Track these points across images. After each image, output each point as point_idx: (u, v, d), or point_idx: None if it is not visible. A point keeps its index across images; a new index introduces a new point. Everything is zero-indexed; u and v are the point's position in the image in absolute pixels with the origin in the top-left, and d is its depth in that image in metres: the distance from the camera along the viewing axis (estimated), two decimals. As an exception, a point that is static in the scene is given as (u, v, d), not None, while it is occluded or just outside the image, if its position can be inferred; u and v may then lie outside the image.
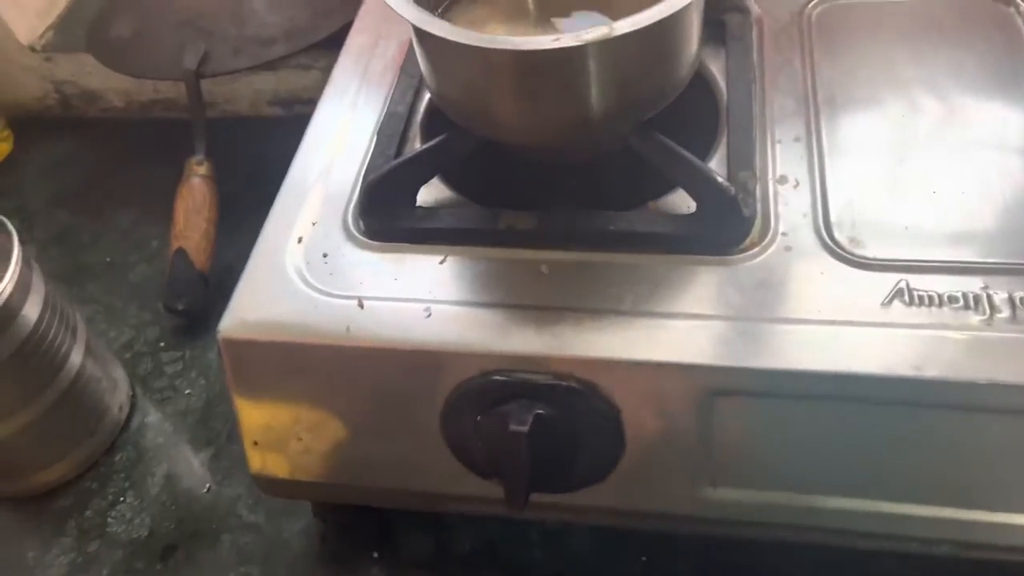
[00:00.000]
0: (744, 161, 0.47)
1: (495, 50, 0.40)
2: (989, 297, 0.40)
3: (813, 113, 0.50)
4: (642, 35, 0.38)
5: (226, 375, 0.46)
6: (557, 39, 0.38)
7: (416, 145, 0.52)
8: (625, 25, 0.38)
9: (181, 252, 0.66)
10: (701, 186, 0.44)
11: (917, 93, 0.50)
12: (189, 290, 0.65)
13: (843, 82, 0.52)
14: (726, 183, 0.43)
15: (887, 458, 0.40)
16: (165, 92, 0.83)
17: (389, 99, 0.54)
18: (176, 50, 0.71)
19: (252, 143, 0.76)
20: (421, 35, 0.43)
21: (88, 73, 0.83)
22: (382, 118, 0.53)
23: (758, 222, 0.45)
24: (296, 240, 0.48)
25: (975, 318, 0.39)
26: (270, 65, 0.72)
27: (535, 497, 0.43)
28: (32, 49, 0.83)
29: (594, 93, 0.42)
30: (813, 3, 0.57)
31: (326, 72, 0.58)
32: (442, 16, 0.48)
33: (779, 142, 0.49)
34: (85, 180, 0.82)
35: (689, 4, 0.39)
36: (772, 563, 0.49)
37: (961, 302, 0.40)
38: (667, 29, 0.41)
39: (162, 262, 0.69)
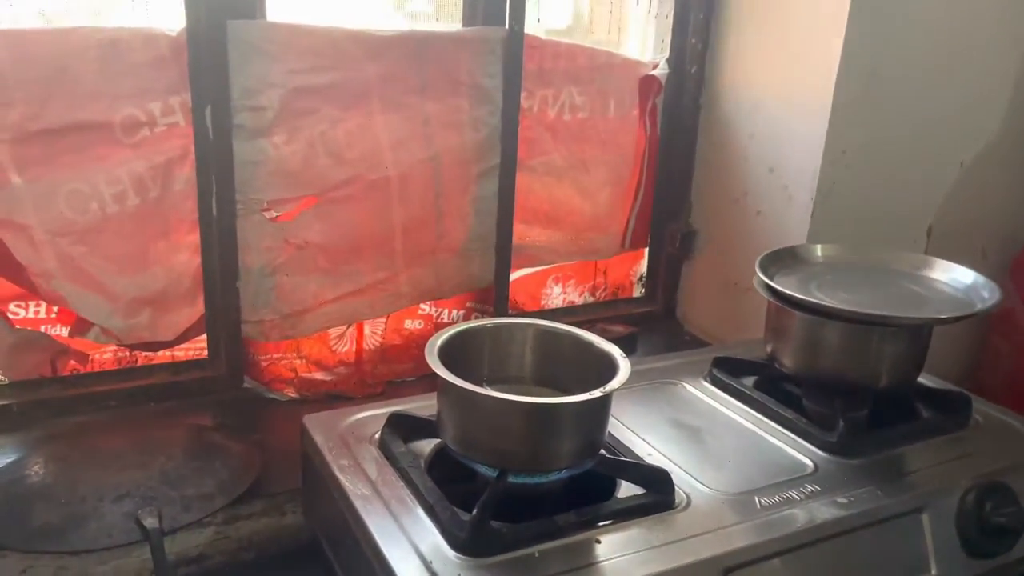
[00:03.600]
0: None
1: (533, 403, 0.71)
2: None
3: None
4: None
5: None
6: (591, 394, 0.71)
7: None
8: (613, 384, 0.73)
9: None
10: (648, 477, 0.77)
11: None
12: None
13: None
14: (664, 470, 0.78)
15: None
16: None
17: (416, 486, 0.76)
18: (124, 519, 0.79)
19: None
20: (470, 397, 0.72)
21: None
22: (422, 490, 0.75)
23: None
24: (427, 571, 0.66)
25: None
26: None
27: None
28: None
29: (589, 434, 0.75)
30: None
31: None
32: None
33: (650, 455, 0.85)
34: None
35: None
36: None
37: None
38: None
39: None
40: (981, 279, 0.97)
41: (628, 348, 1.39)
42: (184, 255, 1.07)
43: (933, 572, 0.81)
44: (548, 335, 0.87)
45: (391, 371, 1.19)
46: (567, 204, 1.33)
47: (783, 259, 1.06)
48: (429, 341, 0.80)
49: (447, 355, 0.79)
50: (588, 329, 1.36)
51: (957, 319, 0.89)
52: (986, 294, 0.94)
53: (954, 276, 1.01)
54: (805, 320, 0.94)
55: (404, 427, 0.85)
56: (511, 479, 0.75)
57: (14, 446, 0.96)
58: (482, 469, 0.76)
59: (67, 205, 0.98)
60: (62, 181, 0.97)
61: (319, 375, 1.16)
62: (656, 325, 1.46)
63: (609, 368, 0.79)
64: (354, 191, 1.10)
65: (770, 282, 0.96)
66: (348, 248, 1.12)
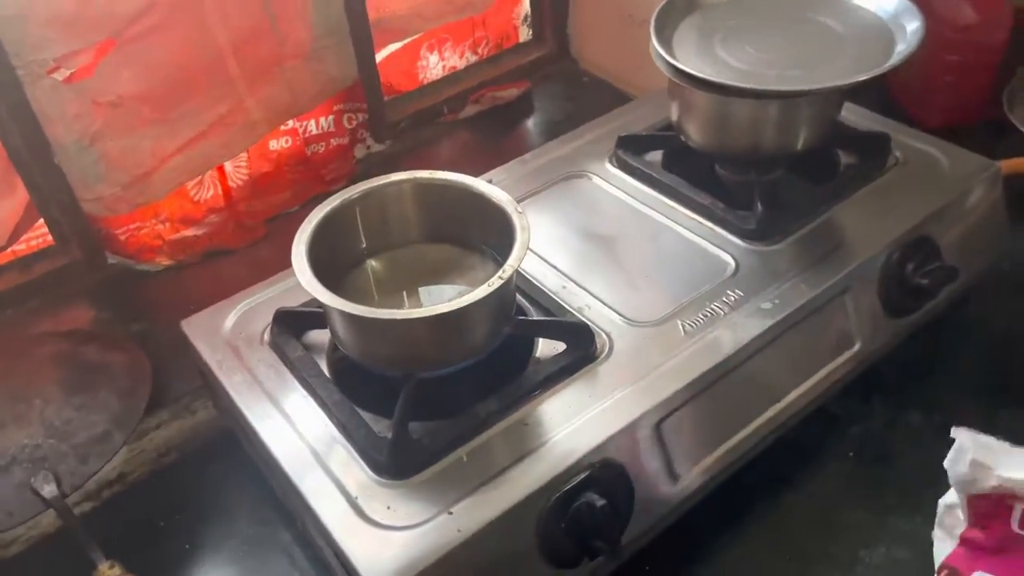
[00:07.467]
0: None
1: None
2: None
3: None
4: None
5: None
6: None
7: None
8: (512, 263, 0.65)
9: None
10: (567, 331, 0.72)
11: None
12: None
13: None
14: (584, 320, 0.72)
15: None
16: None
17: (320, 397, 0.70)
18: (19, 491, 0.72)
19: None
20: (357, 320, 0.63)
21: None
22: (330, 405, 0.69)
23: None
24: (352, 509, 0.62)
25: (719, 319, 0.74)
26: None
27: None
28: None
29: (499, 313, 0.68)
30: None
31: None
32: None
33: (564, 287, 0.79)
34: None
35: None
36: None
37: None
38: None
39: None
40: (904, 3, 0.85)
41: (526, 109, 1.27)
42: (-25, 142, 0.88)
43: (857, 347, 0.82)
44: (429, 188, 0.76)
45: (268, 205, 1.07)
46: (424, -45, 1.11)
47: (679, 8, 0.91)
48: (296, 236, 0.69)
49: (318, 244, 0.69)
50: (477, 99, 1.25)
51: (865, 83, 0.78)
52: (910, 25, 0.83)
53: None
54: (708, 96, 0.83)
55: (294, 324, 0.77)
56: (421, 375, 0.69)
57: None
58: (388, 372, 0.70)
59: None
60: None
61: (190, 232, 1.03)
62: (551, 71, 1.31)
63: (505, 226, 0.70)
64: (157, 20, 0.88)
65: (668, 56, 0.83)
66: (173, 88, 0.93)
